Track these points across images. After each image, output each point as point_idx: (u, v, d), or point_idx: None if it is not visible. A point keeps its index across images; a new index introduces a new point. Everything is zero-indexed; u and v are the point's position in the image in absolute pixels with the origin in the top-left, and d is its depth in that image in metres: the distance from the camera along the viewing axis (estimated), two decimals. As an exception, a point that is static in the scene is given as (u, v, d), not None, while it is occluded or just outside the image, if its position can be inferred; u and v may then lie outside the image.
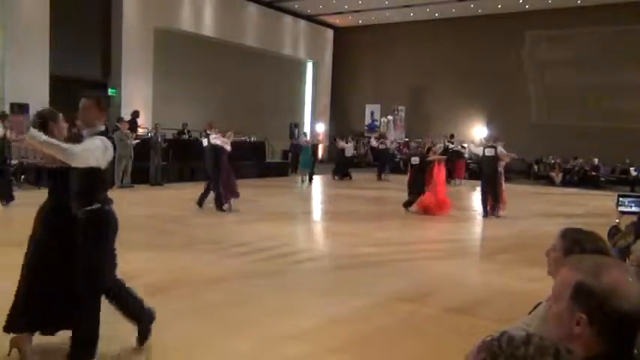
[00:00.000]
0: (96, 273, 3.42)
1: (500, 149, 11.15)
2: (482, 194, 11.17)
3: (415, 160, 11.54)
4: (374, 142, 21.02)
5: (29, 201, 10.86)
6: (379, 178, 19.07)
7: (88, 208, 3.42)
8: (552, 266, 2.16)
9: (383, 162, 19.93)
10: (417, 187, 11.23)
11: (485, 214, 10.96)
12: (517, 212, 12.20)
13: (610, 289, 1.19)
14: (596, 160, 19.89)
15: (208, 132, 10.56)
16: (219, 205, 10.25)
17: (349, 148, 19.66)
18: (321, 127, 24.94)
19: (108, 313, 3.65)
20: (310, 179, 16.82)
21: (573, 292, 1.22)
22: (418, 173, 11.31)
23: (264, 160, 19.51)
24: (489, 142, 11.51)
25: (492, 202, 10.99)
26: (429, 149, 12.06)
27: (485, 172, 11.20)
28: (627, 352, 1.23)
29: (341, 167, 18.90)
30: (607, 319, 1.18)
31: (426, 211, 10.97)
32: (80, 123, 3.68)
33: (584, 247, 2.02)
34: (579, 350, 1.19)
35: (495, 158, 11.02)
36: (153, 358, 3.78)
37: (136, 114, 16.60)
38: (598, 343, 1.20)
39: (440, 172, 11.40)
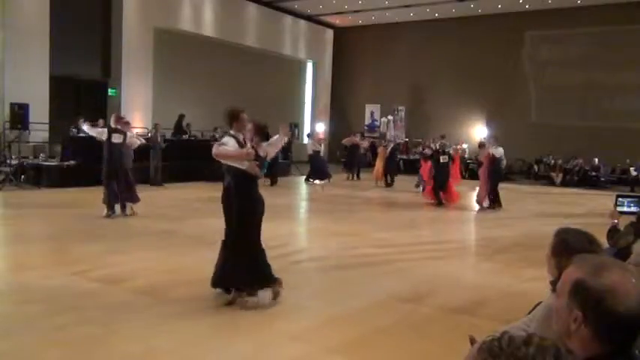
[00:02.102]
0: None
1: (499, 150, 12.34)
2: (494, 191, 12.31)
3: (445, 158, 12.80)
4: (365, 143, 19.46)
5: (31, 201, 10.86)
6: (350, 177, 18.36)
7: None
8: (547, 264, 2.21)
9: (356, 161, 18.87)
10: (443, 182, 12.71)
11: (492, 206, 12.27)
12: (517, 212, 12.21)
13: (607, 290, 1.18)
14: (596, 160, 19.88)
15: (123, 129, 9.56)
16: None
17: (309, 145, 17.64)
18: (321, 127, 24.91)
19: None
20: (273, 182, 15.74)
21: (571, 290, 1.23)
22: (445, 170, 12.74)
23: (264, 160, 19.47)
24: (496, 144, 12.42)
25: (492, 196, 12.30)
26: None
27: (497, 171, 12.39)
28: (626, 355, 1.23)
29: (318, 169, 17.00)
30: (602, 319, 1.18)
31: (454, 199, 12.75)
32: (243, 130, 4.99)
33: (571, 247, 2.06)
34: (577, 349, 1.19)
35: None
36: (152, 358, 3.78)
37: (182, 117, 16.95)
38: (594, 342, 1.20)
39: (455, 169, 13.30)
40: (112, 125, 9.45)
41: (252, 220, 4.84)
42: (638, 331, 1.21)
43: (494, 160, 12.13)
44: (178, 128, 17.43)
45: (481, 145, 12.98)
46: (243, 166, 4.76)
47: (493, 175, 12.18)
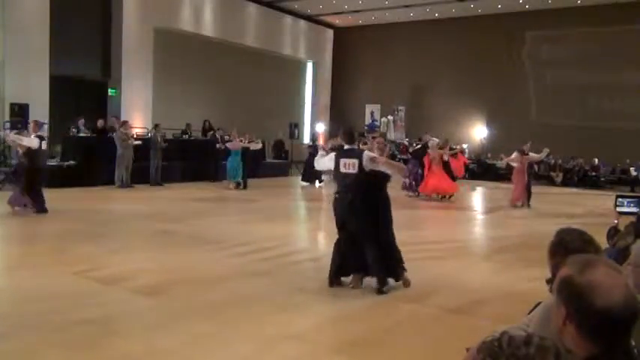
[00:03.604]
0: None
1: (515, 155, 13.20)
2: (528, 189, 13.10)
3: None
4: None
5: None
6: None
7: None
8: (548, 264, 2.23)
9: None
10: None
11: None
12: (517, 212, 12.22)
13: (588, 286, 1.20)
14: (596, 160, 19.88)
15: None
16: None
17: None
18: (321, 127, 24.93)
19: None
20: (244, 186, 14.56)
21: (558, 286, 1.27)
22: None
23: (264, 160, 19.51)
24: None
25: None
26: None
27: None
28: (626, 355, 1.23)
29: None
30: (581, 314, 1.20)
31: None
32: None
33: (565, 247, 2.08)
34: (572, 347, 1.20)
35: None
36: (152, 358, 3.78)
37: (206, 122, 17.15)
38: (580, 340, 1.21)
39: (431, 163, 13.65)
40: (32, 132, 9.41)
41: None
42: (625, 329, 1.21)
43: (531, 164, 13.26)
44: (205, 131, 17.55)
45: (524, 152, 13.20)
46: (395, 174, 5.97)
47: (530, 177, 13.21)
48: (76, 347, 3.84)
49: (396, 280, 5.59)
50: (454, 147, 15.00)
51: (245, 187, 14.55)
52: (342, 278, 5.60)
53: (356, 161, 5.44)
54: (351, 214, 5.47)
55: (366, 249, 5.40)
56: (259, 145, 15.97)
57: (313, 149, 16.18)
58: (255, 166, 17.03)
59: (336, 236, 5.68)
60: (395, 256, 5.63)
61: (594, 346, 1.20)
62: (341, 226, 5.58)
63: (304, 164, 16.87)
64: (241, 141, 14.71)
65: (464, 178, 16.78)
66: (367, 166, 5.43)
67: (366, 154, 5.55)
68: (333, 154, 5.81)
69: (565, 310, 1.22)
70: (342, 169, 5.52)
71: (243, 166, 14.58)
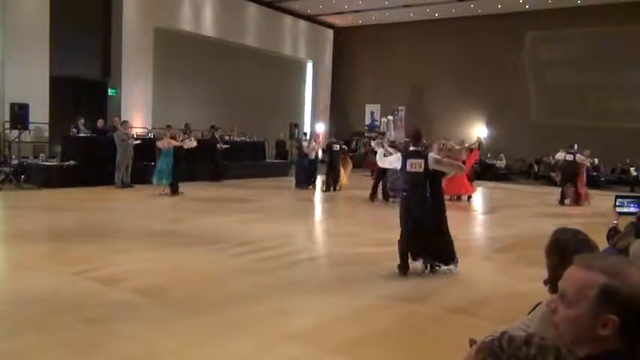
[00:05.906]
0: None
1: (579, 156, 14.22)
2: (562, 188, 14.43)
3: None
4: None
5: (31, 201, 10.81)
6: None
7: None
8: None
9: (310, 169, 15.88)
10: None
11: (562, 203, 13.92)
12: (517, 212, 12.22)
13: (637, 288, 1.18)
14: (596, 160, 19.86)
15: None
16: None
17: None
18: (321, 127, 24.93)
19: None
20: (174, 191, 12.54)
21: (600, 295, 1.19)
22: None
23: (265, 160, 19.51)
24: (569, 150, 14.34)
25: (574, 195, 13.89)
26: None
27: (566, 173, 14.62)
28: (628, 352, 1.23)
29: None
30: (636, 317, 1.18)
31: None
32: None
33: (560, 246, 2.08)
34: (594, 351, 1.18)
35: (574, 162, 14.10)
36: (152, 358, 3.78)
37: (213, 127, 16.97)
38: (615, 342, 1.19)
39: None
40: None
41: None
42: None
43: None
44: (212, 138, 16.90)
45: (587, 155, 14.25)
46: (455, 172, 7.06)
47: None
48: (76, 347, 3.84)
49: (445, 265, 6.26)
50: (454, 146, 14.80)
51: (175, 192, 12.57)
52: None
53: (422, 161, 6.06)
54: (419, 207, 6.01)
55: (429, 237, 6.06)
56: (194, 144, 13.94)
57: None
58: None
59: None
60: (450, 242, 6.28)
61: (623, 345, 1.19)
62: (408, 219, 6.06)
63: (295, 167, 15.98)
64: (173, 138, 12.99)
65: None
66: (432, 166, 6.06)
67: (431, 155, 6.17)
68: (399, 155, 6.49)
69: (616, 317, 1.18)
70: (409, 169, 6.10)
71: (174, 167, 12.68)
